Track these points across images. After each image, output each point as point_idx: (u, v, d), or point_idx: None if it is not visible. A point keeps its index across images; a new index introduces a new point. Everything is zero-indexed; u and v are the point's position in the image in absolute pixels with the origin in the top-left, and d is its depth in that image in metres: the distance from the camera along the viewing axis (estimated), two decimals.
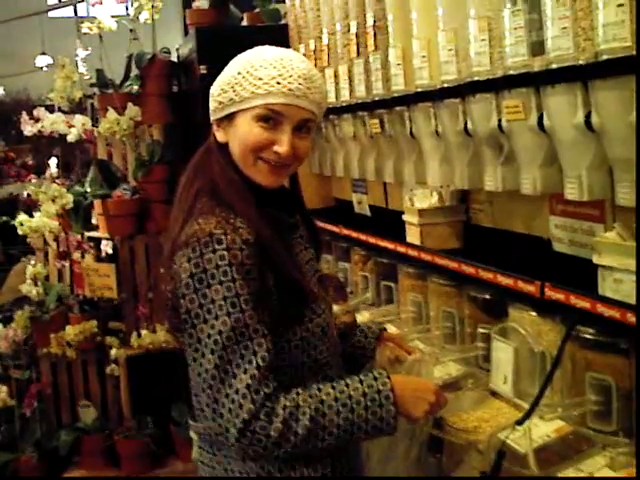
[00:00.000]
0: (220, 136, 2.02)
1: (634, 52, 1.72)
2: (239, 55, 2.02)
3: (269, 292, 1.90)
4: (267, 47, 2.02)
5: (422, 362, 2.33)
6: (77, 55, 5.29)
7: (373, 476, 2.27)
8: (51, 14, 16.33)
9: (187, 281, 1.85)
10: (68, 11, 14.30)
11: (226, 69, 2.01)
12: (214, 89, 2.01)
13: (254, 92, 1.92)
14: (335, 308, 2.45)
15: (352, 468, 2.12)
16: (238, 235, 1.86)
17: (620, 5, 1.72)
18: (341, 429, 1.85)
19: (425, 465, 2.41)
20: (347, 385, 1.90)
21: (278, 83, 1.92)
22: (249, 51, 2.01)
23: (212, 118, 2.04)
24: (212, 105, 2.02)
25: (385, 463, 2.28)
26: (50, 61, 15.53)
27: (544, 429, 2.11)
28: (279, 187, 2.09)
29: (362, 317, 3.23)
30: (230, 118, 1.98)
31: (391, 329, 2.99)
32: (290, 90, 1.93)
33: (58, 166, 5.58)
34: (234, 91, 1.95)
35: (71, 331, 4.80)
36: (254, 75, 1.93)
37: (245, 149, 1.97)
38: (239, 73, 1.95)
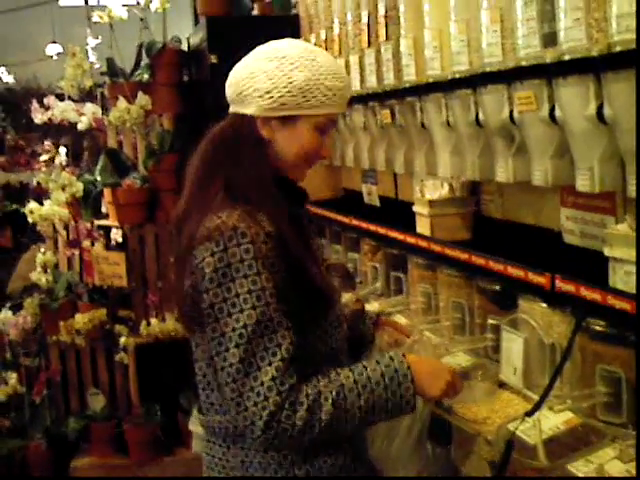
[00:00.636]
0: (266, 132, 2.00)
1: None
2: (286, 51, 1.99)
3: (290, 284, 1.91)
4: (317, 49, 2.06)
5: (420, 343, 2.36)
6: (87, 44, 5.29)
7: (377, 476, 2.28)
8: (62, 2, 16.31)
9: (211, 275, 1.86)
10: None
11: (285, 68, 1.97)
12: (271, 87, 1.96)
13: (324, 102, 1.98)
14: (345, 297, 2.47)
15: (364, 452, 2.16)
16: (261, 228, 1.88)
17: None
18: (362, 411, 1.88)
19: (426, 443, 2.42)
20: (365, 367, 1.93)
21: (343, 95, 2.02)
22: (301, 49, 2.00)
23: (262, 114, 1.99)
24: (265, 102, 1.97)
25: (388, 443, 2.29)
26: (60, 49, 15.50)
27: (553, 420, 2.11)
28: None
29: (372, 307, 3.23)
30: (288, 119, 1.99)
31: (401, 320, 3.00)
32: (346, 101, 2.05)
33: (67, 154, 5.59)
34: (304, 97, 1.96)
35: (80, 319, 4.82)
36: (325, 85, 1.97)
37: (302, 154, 2.02)
38: (310, 80, 1.96)
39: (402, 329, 2.50)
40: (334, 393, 1.86)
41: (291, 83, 1.96)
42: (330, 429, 1.86)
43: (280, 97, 1.96)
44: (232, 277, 1.84)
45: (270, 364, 1.82)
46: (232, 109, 2.06)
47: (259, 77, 1.98)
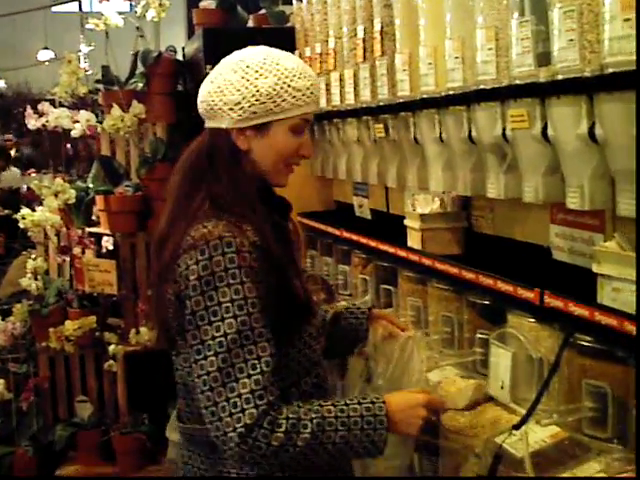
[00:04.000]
0: (242, 143, 2.02)
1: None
2: (248, 59, 2.01)
3: (273, 295, 1.92)
4: (279, 52, 2.05)
5: (414, 339, 2.38)
6: (80, 50, 5.31)
7: (370, 476, 2.30)
8: (54, 9, 16.32)
9: (194, 283, 1.87)
10: (71, 6, 14.28)
11: (250, 77, 1.99)
12: (239, 98, 1.99)
13: (295, 104, 1.99)
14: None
15: (349, 470, 2.17)
16: (246, 238, 1.89)
17: (627, 20, 1.74)
18: (336, 447, 1.89)
19: (419, 466, 2.44)
20: (346, 405, 1.93)
21: (312, 93, 2.02)
22: (264, 55, 2.02)
23: (233, 125, 2.01)
24: (236, 114, 2.00)
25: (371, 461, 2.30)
26: (52, 55, 15.53)
27: (540, 434, 2.13)
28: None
29: None
30: (261, 127, 2.01)
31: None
32: (317, 99, 2.06)
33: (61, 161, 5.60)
34: (274, 102, 1.98)
35: (70, 326, 4.82)
36: (293, 87, 1.99)
37: (280, 158, 2.03)
38: (277, 84, 1.98)
39: (397, 322, 2.51)
40: (314, 423, 1.86)
41: (258, 91, 1.98)
42: (303, 457, 1.87)
43: (250, 107, 1.99)
44: (215, 286, 1.85)
45: (249, 377, 1.83)
46: (207, 124, 2.08)
47: (226, 90, 2.00)
